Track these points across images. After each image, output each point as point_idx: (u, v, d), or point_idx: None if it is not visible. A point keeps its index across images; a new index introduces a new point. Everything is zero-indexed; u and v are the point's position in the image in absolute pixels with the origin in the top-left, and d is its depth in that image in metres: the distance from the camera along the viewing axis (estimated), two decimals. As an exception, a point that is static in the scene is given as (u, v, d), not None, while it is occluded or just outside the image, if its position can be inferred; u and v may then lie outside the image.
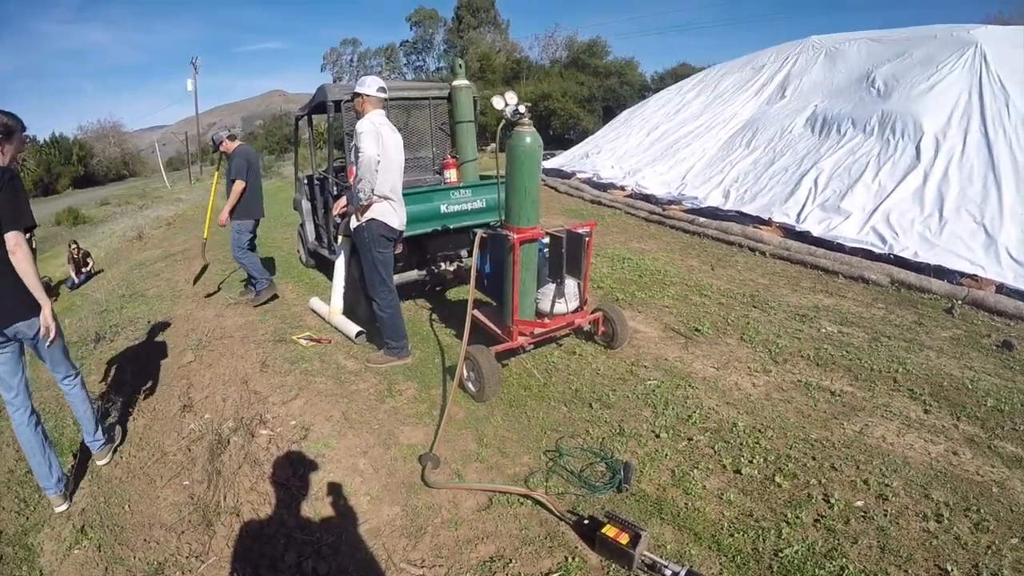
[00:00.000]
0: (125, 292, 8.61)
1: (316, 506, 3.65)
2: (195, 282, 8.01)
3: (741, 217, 9.98)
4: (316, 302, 6.99)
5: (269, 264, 9.13)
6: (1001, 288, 6.62)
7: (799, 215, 9.20)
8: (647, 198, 12.48)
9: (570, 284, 5.22)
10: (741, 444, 4.11)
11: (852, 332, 5.92)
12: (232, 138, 7.24)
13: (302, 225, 8.80)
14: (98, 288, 9.37)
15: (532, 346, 5.36)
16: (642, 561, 3.11)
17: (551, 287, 5.18)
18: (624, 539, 3.14)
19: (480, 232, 5.06)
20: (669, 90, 18.05)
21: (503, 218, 5.05)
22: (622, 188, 13.59)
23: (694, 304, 6.86)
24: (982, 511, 3.37)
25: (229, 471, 4.02)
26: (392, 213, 5.06)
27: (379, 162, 4.76)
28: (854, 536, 3.23)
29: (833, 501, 3.48)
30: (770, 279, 7.73)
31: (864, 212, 8.51)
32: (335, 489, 3.78)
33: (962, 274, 6.97)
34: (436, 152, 7.71)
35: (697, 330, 6.07)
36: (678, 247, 9.50)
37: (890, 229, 8.04)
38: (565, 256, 5.03)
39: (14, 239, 3.28)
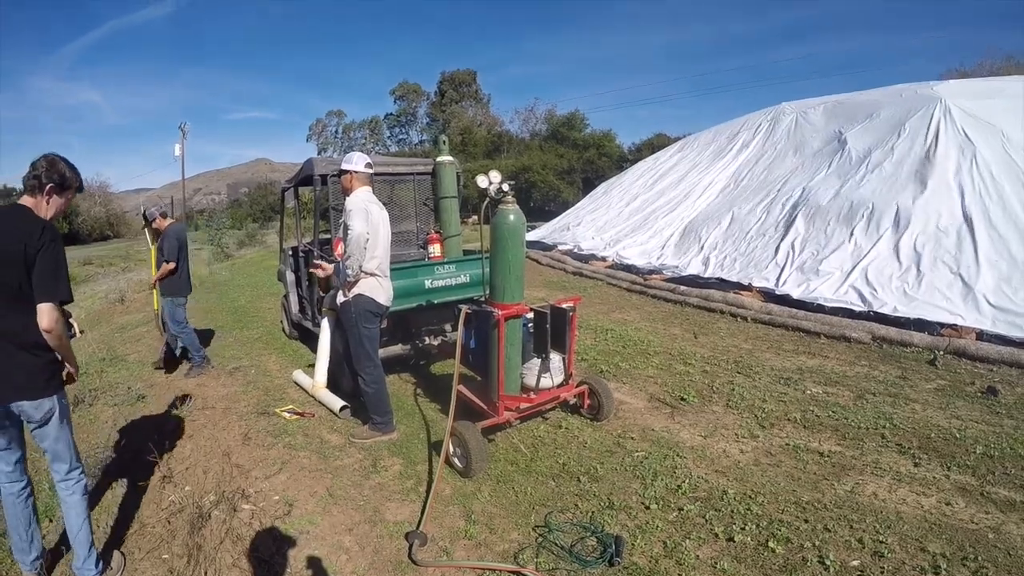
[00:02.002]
0: (106, 355, 8.48)
1: None
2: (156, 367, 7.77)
3: (721, 284, 10.09)
4: (300, 375, 6.93)
5: (254, 335, 9.39)
6: (981, 335, 6.68)
7: (778, 279, 9.32)
8: (628, 268, 12.63)
9: (555, 359, 5.22)
10: (732, 511, 4.03)
11: (837, 392, 5.92)
12: (164, 215, 7.40)
13: (286, 296, 8.83)
14: (78, 351, 8.82)
15: (518, 421, 5.31)
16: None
17: (536, 362, 5.18)
18: None
19: (464, 308, 5.09)
20: (646, 161, 18.54)
21: (487, 294, 5.09)
22: (603, 259, 13.75)
23: (678, 373, 6.85)
24: (979, 558, 3.31)
25: (210, 546, 3.89)
26: (379, 289, 5.08)
27: (368, 239, 4.81)
28: (851, 598, 3.14)
29: (828, 563, 3.39)
30: (753, 344, 7.76)
31: (842, 272, 8.64)
32: (320, 567, 3.67)
33: (942, 325, 7.04)
34: (420, 227, 7.83)
35: (683, 399, 6.04)
36: (660, 316, 9.55)
37: (868, 286, 8.15)
38: (550, 331, 5.04)
39: (49, 314, 2.90)
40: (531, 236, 17.82)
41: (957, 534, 3.55)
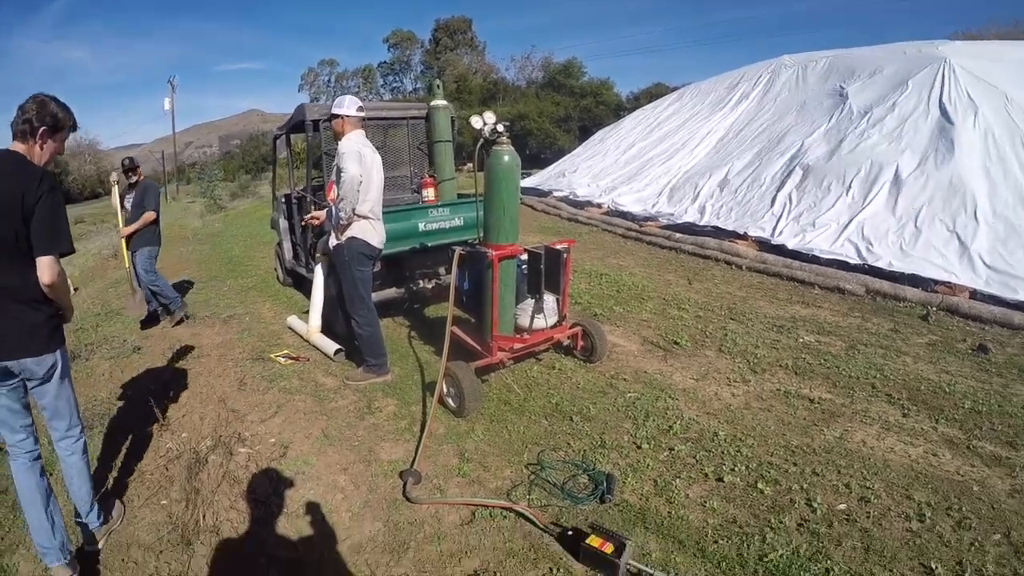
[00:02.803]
0: (100, 311, 8.46)
1: (297, 524, 3.57)
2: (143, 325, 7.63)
3: (717, 232, 10.06)
4: (294, 320, 6.94)
5: (248, 283, 9.37)
6: (975, 294, 6.71)
7: (774, 229, 9.29)
8: (624, 215, 12.56)
9: (549, 300, 5.21)
10: (722, 453, 4.08)
11: (829, 341, 5.96)
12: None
13: (279, 244, 8.78)
14: (74, 307, 9.00)
15: (512, 361, 5.33)
16: (627, 570, 3.08)
17: (530, 303, 5.17)
18: (609, 548, 3.10)
19: (459, 249, 5.07)
20: (644, 109, 18.25)
21: (481, 235, 5.05)
22: (599, 206, 13.65)
23: (672, 318, 6.87)
24: (964, 509, 3.37)
25: (208, 490, 3.93)
26: (372, 232, 5.07)
27: (361, 182, 4.78)
28: (838, 538, 3.21)
29: (816, 505, 3.46)
30: (747, 291, 7.78)
31: (839, 225, 8.61)
32: (315, 506, 3.70)
33: (936, 281, 7.06)
34: (414, 171, 7.71)
35: (676, 343, 6.07)
36: (655, 262, 9.55)
37: (864, 240, 8.14)
38: (544, 272, 5.01)
39: (50, 268, 2.77)
40: (526, 183, 17.65)
41: (942, 484, 3.62)
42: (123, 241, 7.25)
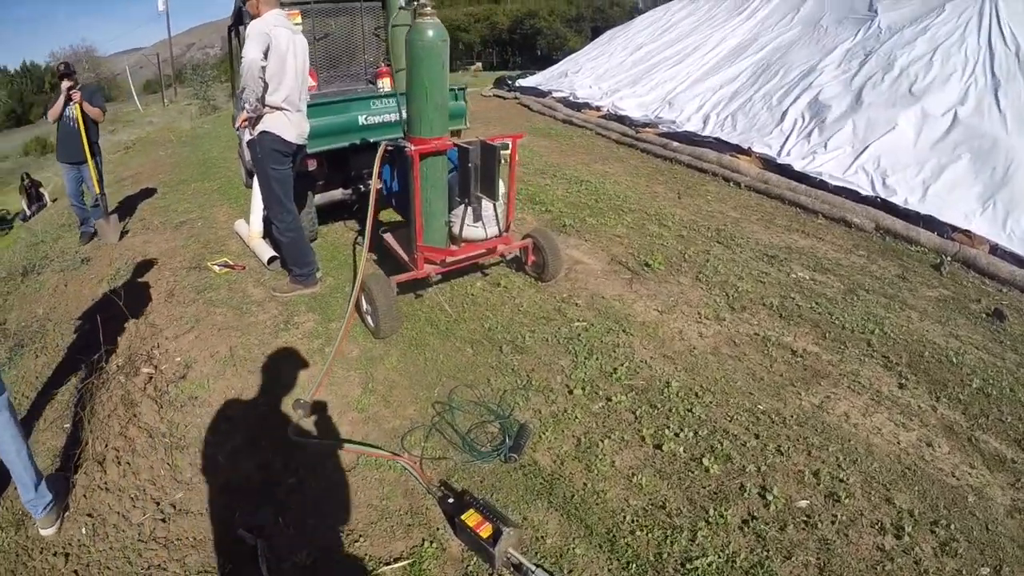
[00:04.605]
0: (65, 222, 7.86)
1: (176, 457, 3.20)
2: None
3: (719, 144, 8.99)
4: (240, 224, 6.36)
5: (213, 186, 8.79)
6: (995, 249, 5.80)
7: (782, 147, 8.25)
8: (621, 120, 11.44)
9: (487, 207, 4.32)
10: (670, 410, 3.32)
11: (826, 280, 5.09)
12: None
13: (240, 145, 7.88)
14: (45, 220, 8.92)
15: (439, 276, 4.53)
16: (507, 559, 2.39)
17: (468, 210, 4.31)
18: (486, 531, 2.45)
19: (384, 142, 4.28)
20: (657, 10, 16.77)
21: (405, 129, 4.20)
22: (597, 108, 12.50)
23: (650, 235, 5.98)
24: (952, 527, 2.61)
25: (104, 413, 3.57)
26: (288, 125, 4.39)
27: (264, 68, 4.09)
28: (789, 548, 2.48)
29: (771, 498, 2.71)
30: (741, 212, 6.82)
31: (853, 149, 7.58)
32: (198, 438, 3.32)
33: (954, 228, 6.14)
34: (368, 60, 6.70)
35: (647, 265, 5.22)
36: (645, 172, 8.50)
37: (879, 170, 7.14)
38: (478, 172, 4.09)
39: None
40: (527, 82, 16.75)
41: (933, 488, 2.83)
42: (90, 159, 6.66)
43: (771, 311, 4.53)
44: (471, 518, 2.49)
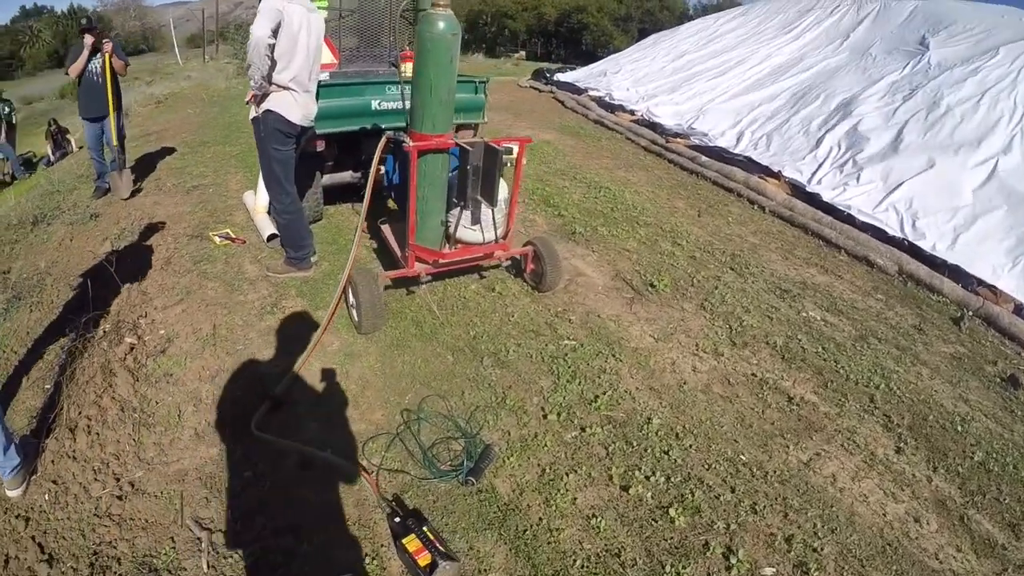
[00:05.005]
0: (83, 173, 7.78)
1: (142, 433, 3.13)
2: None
3: (749, 164, 8.71)
4: (249, 196, 6.20)
5: (233, 151, 8.62)
6: (1020, 309, 5.51)
7: (813, 174, 7.96)
8: (653, 127, 11.16)
9: (487, 210, 4.14)
10: (645, 449, 3.14)
11: (837, 323, 4.85)
12: None
13: None
14: (65, 169, 8.85)
15: (430, 277, 4.36)
16: (441, 594, 2.24)
17: (466, 211, 4.15)
18: (423, 560, 2.34)
19: (389, 132, 4.17)
20: (705, 19, 16.42)
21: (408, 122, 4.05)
22: (632, 112, 12.22)
23: (661, 253, 5.76)
24: (927, 619, 2.40)
25: (83, 380, 3.52)
26: (294, 105, 4.26)
27: (271, 46, 3.97)
28: (746, 624, 2.29)
29: (735, 560, 2.52)
30: (761, 239, 6.57)
31: (886, 185, 7.27)
32: (167, 417, 3.26)
33: (980, 281, 5.84)
34: (393, 42, 6.50)
35: (652, 285, 5.01)
36: (669, 184, 8.25)
37: (911, 211, 6.84)
38: (477, 175, 3.90)
39: None
40: (565, 77, 16.39)
41: (912, 570, 2.61)
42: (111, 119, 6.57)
43: (774, 351, 4.31)
44: (412, 543, 2.36)
